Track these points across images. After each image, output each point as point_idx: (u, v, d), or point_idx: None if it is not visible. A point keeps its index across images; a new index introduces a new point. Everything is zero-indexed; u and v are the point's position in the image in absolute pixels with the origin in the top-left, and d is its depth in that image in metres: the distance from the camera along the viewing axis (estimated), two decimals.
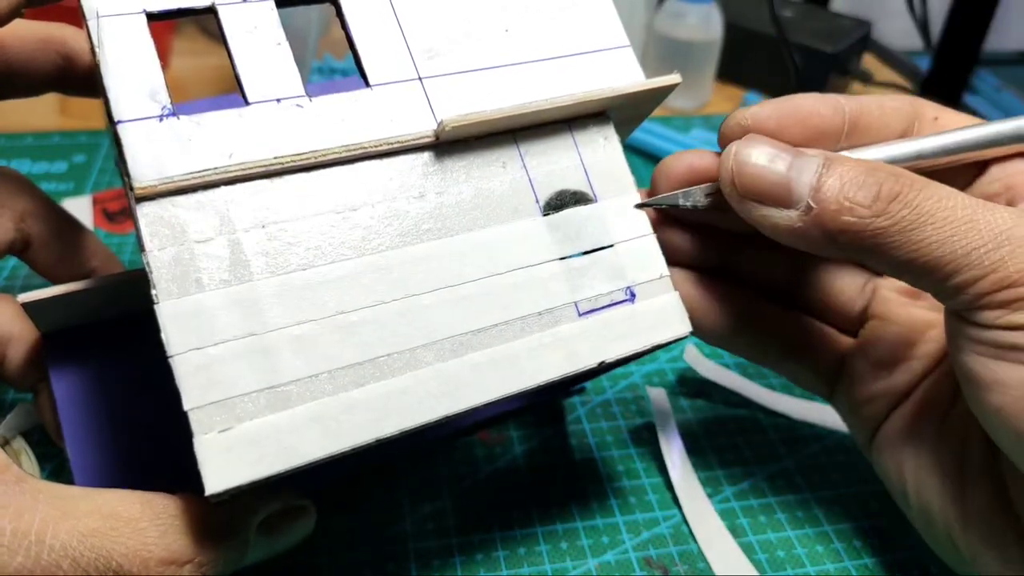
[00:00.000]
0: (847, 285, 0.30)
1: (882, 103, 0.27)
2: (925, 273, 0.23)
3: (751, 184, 0.24)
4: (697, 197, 0.27)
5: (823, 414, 0.37)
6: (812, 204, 0.23)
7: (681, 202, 0.27)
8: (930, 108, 0.27)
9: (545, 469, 0.34)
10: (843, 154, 0.25)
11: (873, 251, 0.23)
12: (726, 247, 0.30)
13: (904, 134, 0.27)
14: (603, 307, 0.24)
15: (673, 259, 0.28)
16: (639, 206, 0.26)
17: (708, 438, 0.36)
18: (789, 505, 0.34)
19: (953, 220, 0.22)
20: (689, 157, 0.27)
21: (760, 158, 0.24)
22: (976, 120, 0.27)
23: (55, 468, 0.31)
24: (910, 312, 0.29)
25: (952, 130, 0.26)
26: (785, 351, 0.31)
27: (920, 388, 0.29)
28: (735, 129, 0.26)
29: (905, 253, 0.23)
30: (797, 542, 0.32)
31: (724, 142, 0.27)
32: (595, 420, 0.37)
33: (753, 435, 0.37)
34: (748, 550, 0.32)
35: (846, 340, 0.31)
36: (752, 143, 0.25)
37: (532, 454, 0.35)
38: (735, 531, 0.32)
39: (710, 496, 0.34)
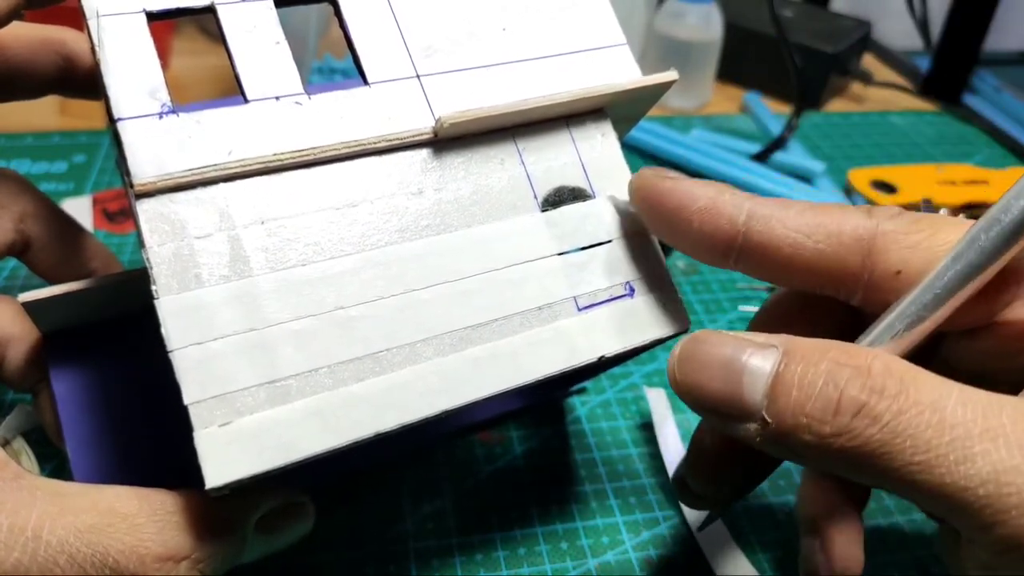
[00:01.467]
0: None
1: (816, 232, 0.22)
2: (915, 500, 0.19)
3: (699, 397, 0.21)
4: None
5: None
6: (767, 419, 0.19)
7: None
8: (892, 252, 0.22)
9: (545, 469, 0.34)
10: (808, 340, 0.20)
11: (850, 472, 0.19)
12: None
13: (837, 282, 0.22)
14: (602, 302, 0.24)
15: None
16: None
17: None
18: (790, 505, 0.34)
19: (937, 445, 0.17)
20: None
21: (707, 359, 0.20)
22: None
23: (55, 468, 0.31)
24: None
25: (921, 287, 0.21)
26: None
27: None
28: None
29: (883, 481, 0.18)
30: (797, 542, 0.32)
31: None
32: (595, 420, 0.37)
33: None
34: (748, 550, 0.32)
35: None
36: (698, 342, 0.21)
37: (532, 454, 0.35)
38: (735, 531, 0.32)
39: None
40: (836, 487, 0.26)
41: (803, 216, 0.22)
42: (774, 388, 0.19)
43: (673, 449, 0.35)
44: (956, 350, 0.24)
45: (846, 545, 0.25)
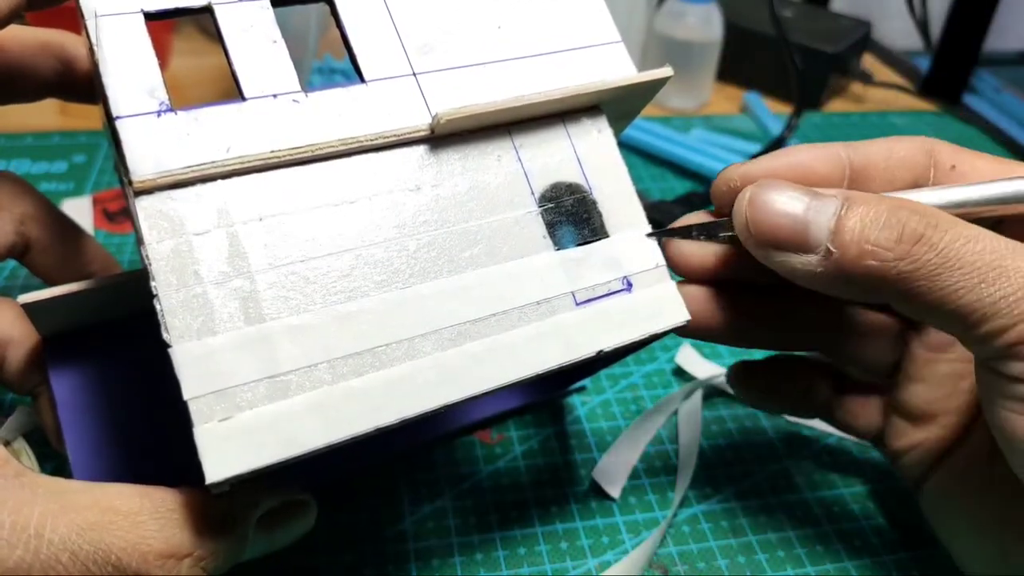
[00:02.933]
0: (878, 343, 0.29)
1: (891, 150, 0.26)
2: (952, 320, 0.22)
3: (768, 231, 0.23)
4: (713, 231, 0.26)
5: None
6: (832, 248, 0.22)
7: (695, 234, 0.26)
8: (947, 153, 0.26)
9: (545, 469, 0.34)
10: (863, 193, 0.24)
11: (898, 295, 0.22)
12: (753, 305, 0.28)
13: (914, 184, 0.26)
14: (600, 296, 0.24)
15: (701, 322, 0.27)
16: (651, 235, 0.26)
17: (708, 438, 0.36)
18: (789, 505, 0.34)
19: (981, 265, 0.21)
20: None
21: (776, 203, 0.23)
22: (997, 164, 0.26)
23: (55, 468, 0.31)
24: (939, 368, 0.29)
25: (971, 184, 0.25)
26: (822, 409, 0.31)
27: (964, 445, 0.28)
28: (724, 191, 0.26)
29: (930, 299, 0.22)
30: (797, 542, 0.32)
31: (716, 203, 0.26)
32: (595, 420, 0.37)
33: (753, 435, 0.37)
34: (749, 550, 0.32)
35: (881, 396, 0.30)
36: (767, 187, 0.24)
37: (532, 454, 0.35)
38: (735, 531, 0.32)
39: (709, 496, 0.34)
40: None
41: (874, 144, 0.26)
42: (840, 222, 0.22)
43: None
44: None
45: None
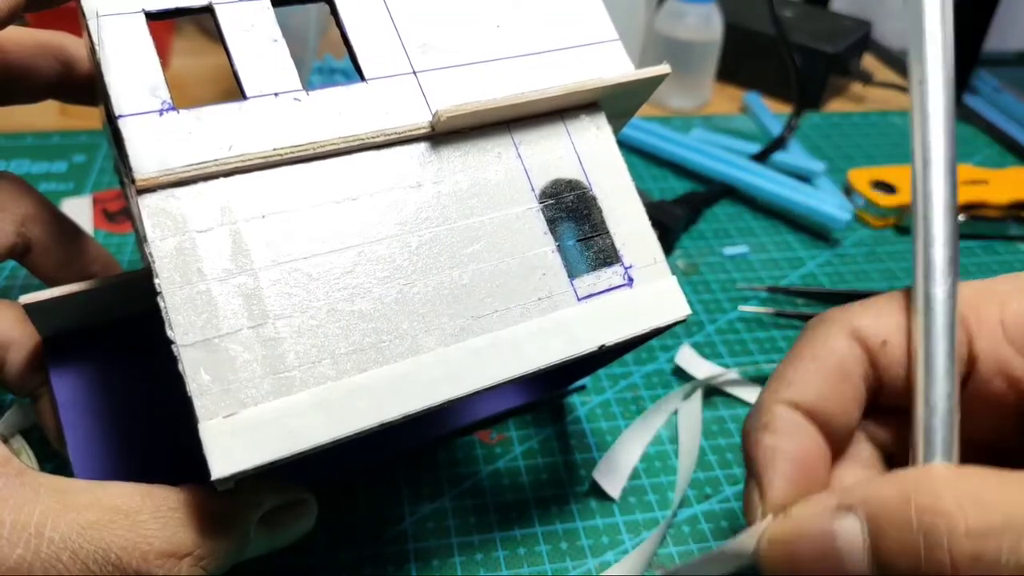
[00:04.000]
0: None
1: (835, 380, 0.24)
2: None
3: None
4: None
5: None
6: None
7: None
8: (872, 331, 0.24)
9: (545, 469, 0.34)
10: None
11: None
12: None
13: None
14: (601, 291, 0.25)
15: None
16: None
17: (708, 438, 0.36)
18: None
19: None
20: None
21: (799, 552, 0.21)
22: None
23: (55, 468, 0.31)
24: None
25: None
26: None
27: None
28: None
29: None
30: None
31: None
32: (595, 420, 0.37)
33: None
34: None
35: None
36: (783, 528, 0.22)
37: (532, 454, 0.35)
38: (735, 531, 0.32)
39: (709, 496, 0.34)
40: None
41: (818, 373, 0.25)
42: (877, 559, 0.20)
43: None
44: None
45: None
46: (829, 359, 0.25)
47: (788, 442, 0.24)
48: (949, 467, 0.22)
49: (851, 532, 0.20)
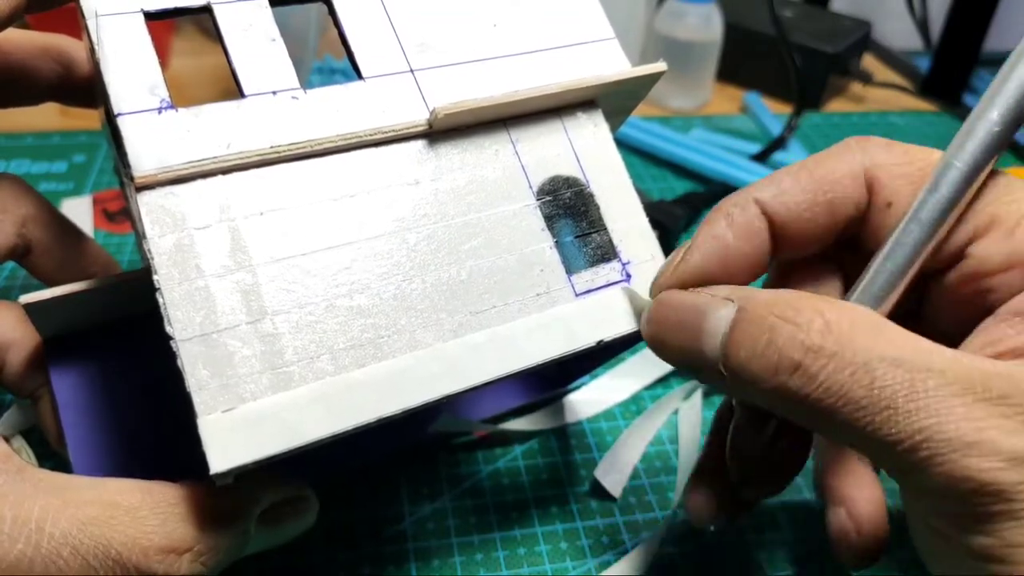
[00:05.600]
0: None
1: (818, 192, 0.23)
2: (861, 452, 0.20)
3: (668, 353, 0.22)
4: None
5: None
6: (723, 372, 0.21)
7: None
8: (884, 181, 0.23)
9: (545, 469, 0.34)
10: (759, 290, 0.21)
11: (805, 423, 0.21)
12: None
13: (850, 227, 0.24)
14: (599, 287, 0.25)
15: None
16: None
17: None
18: (788, 505, 0.34)
19: (867, 404, 0.18)
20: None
21: (670, 326, 0.22)
22: (918, 176, 0.23)
23: (55, 467, 0.31)
24: None
25: (881, 264, 0.22)
26: None
27: None
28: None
29: (832, 434, 0.20)
30: (796, 543, 0.32)
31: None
32: (594, 420, 0.37)
33: None
34: (748, 550, 0.32)
35: None
36: (661, 307, 0.23)
37: (532, 454, 0.35)
38: (735, 531, 0.32)
39: None
40: (852, 455, 0.26)
41: (800, 182, 0.23)
42: (727, 346, 0.20)
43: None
44: (932, 302, 0.24)
45: (871, 508, 0.26)
46: (817, 172, 0.24)
47: (729, 234, 0.23)
48: (846, 304, 0.20)
49: (722, 319, 0.21)
